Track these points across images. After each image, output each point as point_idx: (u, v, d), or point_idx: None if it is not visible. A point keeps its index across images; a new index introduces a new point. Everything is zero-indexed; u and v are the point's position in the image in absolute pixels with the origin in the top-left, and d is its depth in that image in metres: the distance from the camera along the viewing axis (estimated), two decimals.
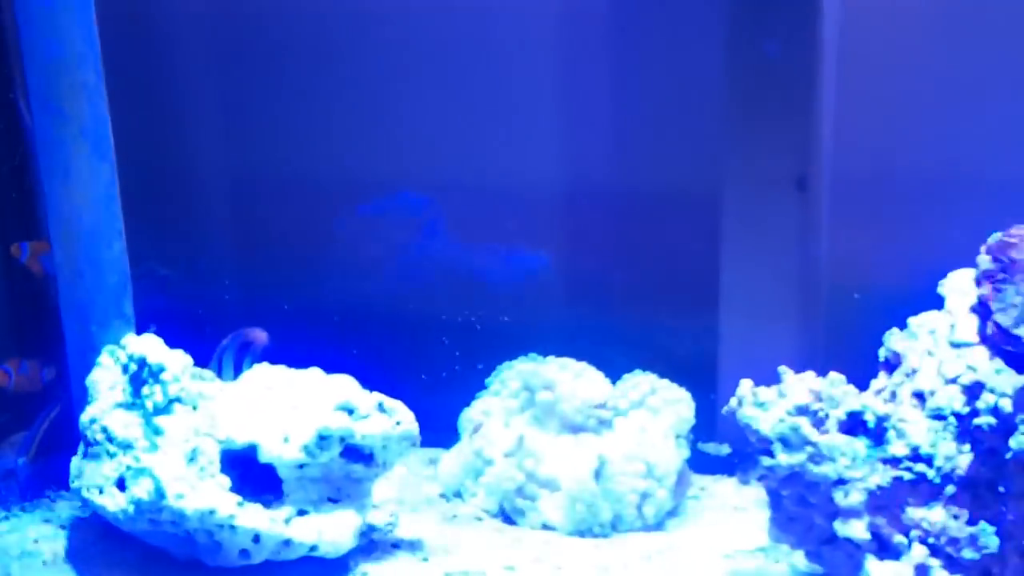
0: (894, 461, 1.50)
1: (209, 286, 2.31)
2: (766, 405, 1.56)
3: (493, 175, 2.18)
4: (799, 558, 1.64)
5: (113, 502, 1.67)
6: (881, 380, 1.62)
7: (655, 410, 1.91)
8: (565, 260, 2.15)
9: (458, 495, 1.97)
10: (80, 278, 1.90)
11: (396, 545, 1.81)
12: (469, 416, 2.00)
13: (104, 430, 1.70)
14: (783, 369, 1.61)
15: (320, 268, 2.27)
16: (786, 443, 1.53)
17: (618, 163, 2.08)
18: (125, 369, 1.74)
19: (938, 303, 1.64)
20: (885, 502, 1.50)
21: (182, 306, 2.31)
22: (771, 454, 1.55)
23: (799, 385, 1.58)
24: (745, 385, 1.59)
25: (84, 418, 1.74)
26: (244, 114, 2.30)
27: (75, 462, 1.76)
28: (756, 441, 1.56)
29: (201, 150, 2.32)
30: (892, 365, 1.62)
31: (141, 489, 1.64)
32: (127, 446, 1.68)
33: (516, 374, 2.02)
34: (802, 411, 1.55)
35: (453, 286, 2.20)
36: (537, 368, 2.00)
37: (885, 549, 1.50)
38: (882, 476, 1.50)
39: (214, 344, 1.97)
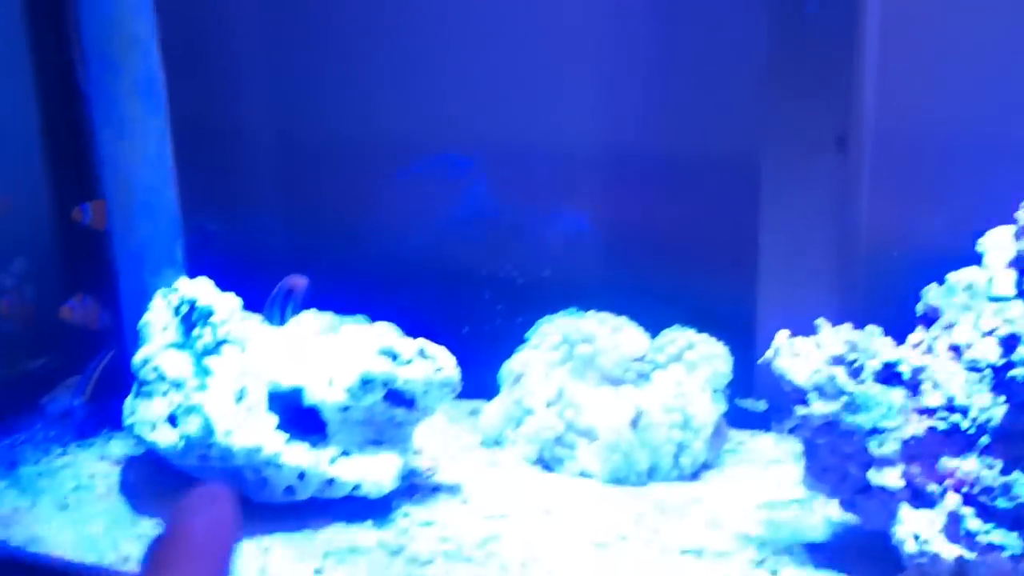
0: (929, 411, 1.51)
1: (257, 242, 2.37)
2: (803, 355, 1.59)
3: (535, 135, 2.21)
4: (833, 508, 1.67)
5: (164, 438, 1.73)
6: (918, 334, 1.63)
7: (693, 364, 1.94)
8: (606, 219, 2.17)
9: (498, 443, 2.01)
10: (134, 227, 1.97)
11: (437, 488, 1.86)
12: (510, 368, 2.04)
13: (156, 369, 1.76)
14: (820, 321, 1.63)
15: (366, 224, 2.31)
16: (821, 392, 1.55)
17: (659, 122, 2.10)
18: (176, 311, 1.80)
19: (977, 264, 1.66)
20: (919, 452, 1.52)
21: (230, 261, 2.36)
22: (806, 404, 1.57)
23: (835, 336, 1.61)
24: (781, 335, 1.62)
25: (137, 358, 1.80)
26: (292, 72, 2.34)
27: (129, 401, 1.83)
28: (791, 391, 1.58)
29: (250, 107, 2.37)
30: (930, 319, 1.63)
31: (191, 426, 1.70)
32: (178, 385, 1.74)
33: (556, 328, 2.05)
34: (838, 361, 1.57)
35: (495, 242, 2.23)
36: (577, 322, 2.03)
37: (919, 498, 1.51)
38: (917, 426, 1.51)
39: (261, 298, 2.02)
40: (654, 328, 2.03)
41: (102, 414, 2.07)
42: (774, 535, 1.69)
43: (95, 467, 1.93)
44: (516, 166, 2.21)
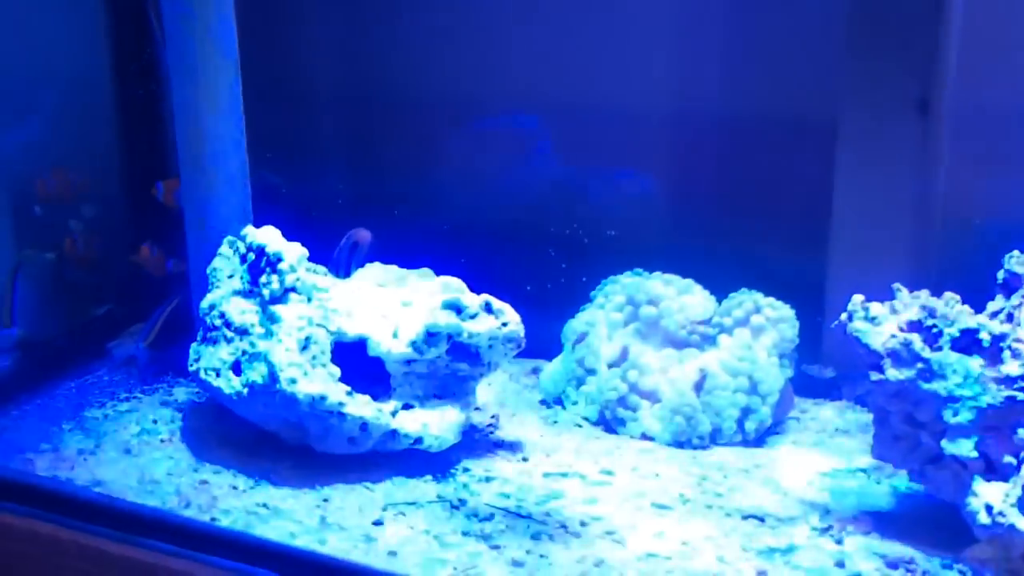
0: (1008, 381, 1.47)
1: (320, 195, 2.36)
2: (878, 319, 1.55)
3: (605, 93, 2.17)
4: (901, 478, 1.64)
5: (228, 384, 1.74)
6: (998, 302, 1.59)
7: (759, 328, 1.90)
8: (674, 180, 2.14)
9: (559, 402, 1.99)
10: (202, 175, 1.97)
11: (497, 444, 1.85)
12: (573, 327, 2.02)
13: (222, 315, 1.77)
14: (897, 286, 1.59)
15: (431, 179, 2.30)
16: (896, 358, 1.52)
17: (733, 82, 2.05)
18: (244, 259, 1.80)
19: None
20: (996, 422, 1.48)
21: (293, 213, 2.36)
22: (880, 369, 1.53)
23: (912, 302, 1.57)
24: (857, 299, 1.58)
25: (203, 304, 1.81)
26: (360, 27, 2.32)
27: (194, 347, 1.84)
28: (865, 355, 1.55)
29: (315, 59, 2.36)
30: (1011, 288, 1.58)
31: (256, 373, 1.70)
32: (243, 332, 1.74)
33: (621, 288, 2.02)
34: (914, 327, 1.53)
35: (561, 201, 2.21)
36: (642, 283, 2.01)
37: (993, 470, 1.47)
38: (994, 396, 1.47)
39: (323, 251, 2.02)
40: (720, 292, 2.00)
41: (165, 361, 2.09)
42: (839, 503, 1.66)
43: (158, 412, 1.95)
44: (585, 125, 2.17)
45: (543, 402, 2.01)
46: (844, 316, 1.58)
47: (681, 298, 1.98)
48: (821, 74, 1.94)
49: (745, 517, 1.62)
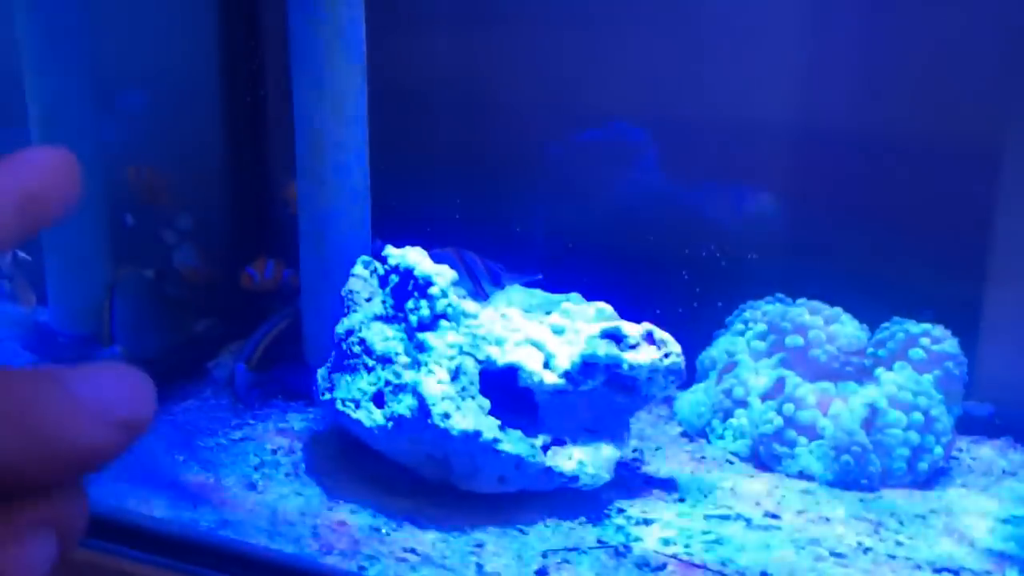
0: None
1: (427, 209, 2.22)
2: None
3: (746, 112, 2.03)
4: None
5: (369, 417, 1.60)
6: None
7: (919, 361, 1.79)
8: (819, 202, 2.01)
9: (702, 435, 1.87)
10: (321, 187, 1.83)
11: (648, 482, 1.72)
12: (713, 356, 1.90)
13: (362, 342, 1.63)
14: None
15: (553, 196, 2.16)
16: None
17: (883, 99, 1.93)
18: (384, 281, 1.66)
19: None
20: None
21: (399, 228, 2.23)
22: None
23: None
24: None
25: (339, 329, 1.67)
26: (465, 36, 2.19)
27: (323, 374, 1.70)
28: None
29: (423, 69, 2.22)
30: None
31: (402, 406, 1.57)
32: (387, 360, 1.61)
33: (762, 315, 1.91)
34: None
35: (698, 222, 2.08)
36: (786, 310, 1.89)
37: None
38: None
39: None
40: (866, 320, 1.89)
41: (269, 384, 1.95)
42: None
43: (276, 441, 1.80)
44: (726, 145, 2.04)
45: (684, 434, 1.89)
46: None
47: (830, 327, 1.86)
48: (986, 91, 1.83)
49: (937, 571, 1.51)
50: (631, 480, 1.72)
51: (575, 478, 1.61)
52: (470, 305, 1.65)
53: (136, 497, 1.63)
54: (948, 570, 1.51)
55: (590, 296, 1.78)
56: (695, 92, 2.07)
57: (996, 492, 1.72)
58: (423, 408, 1.55)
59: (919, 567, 1.51)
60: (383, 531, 1.57)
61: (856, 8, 1.95)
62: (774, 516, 1.64)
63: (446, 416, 1.54)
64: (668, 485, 1.72)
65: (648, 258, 2.11)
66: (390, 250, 1.66)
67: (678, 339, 1.75)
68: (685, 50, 2.05)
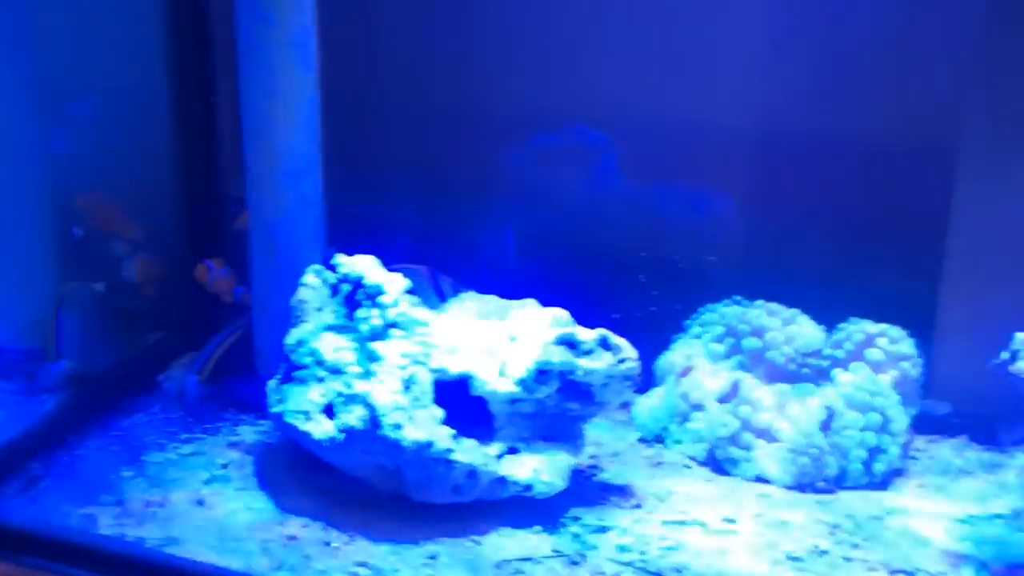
0: None
1: (382, 216, 2.20)
2: None
3: (702, 114, 2.02)
4: None
5: (320, 429, 1.58)
6: None
7: (878, 362, 1.78)
8: (776, 203, 2.00)
9: (659, 440, 1.86)
10: (272, 196, 1.80)
11: (604, 489, 1.71)
12: (671, 360, 1.88)
13: (313, 353, 1.60)
14: None
15: (510, 201, 2.14)
16: None
17: (840, 100, 1.92)
18: (335, 290, 1.64)
19: None
20: None
21: (352, 236, 2.20)
22: None
23: None
24: (1020, 337, 1.47)
25: (289, 340, 1.64)
26: (422, 40, 2.17)
27: (273, 386, 1.67)
28: None
29: (376, 74, 2.20)
30: None
31: (353, 417, 1.54)
32: (338, 371, 1.58)
33: (720, 317, 1.90)
34: None
35: (654, 224, 2.06)
36: (743, 312, 1.88)
37: None
38: None
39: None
40: (823, 321, 1.89)
41: (220, 397, 1.92)
42: (984, 553, 1.54)
43: (226, 455, 1.77)
44: (686, 147, 2.03)
45: (643, 440, 1.87)
46: (1005, 355, 1.47)
47: (787, 328, 1.85)
48: (939, 92, 1.83)
49: (894, 572, 1.50)
50: (587, 487, 1.71)
51: (530, 487, 1.60)
52: (422, 313, 1.62)
53: (81, 515, 1.60)
54: (904, 572, 1.50)
55: (547, 300, 1.76)
56: (654, 95, 2.06)
57: (953, 491, 1.72)
58: (374, 419, 1.52)
59: (874, 569, 1.51)
60: (334, 545, 1.54)
61: (813, 13, 1.95)
62: (731, 521, 1.63)
63: (398, 427, 1.52)
64: (624, 491, 1.70)
65: (606, 262, 2.10)
66: (340, 259, 1.64)
67: (636, 343, 1.74)
68: (644, 53, 2.04)
